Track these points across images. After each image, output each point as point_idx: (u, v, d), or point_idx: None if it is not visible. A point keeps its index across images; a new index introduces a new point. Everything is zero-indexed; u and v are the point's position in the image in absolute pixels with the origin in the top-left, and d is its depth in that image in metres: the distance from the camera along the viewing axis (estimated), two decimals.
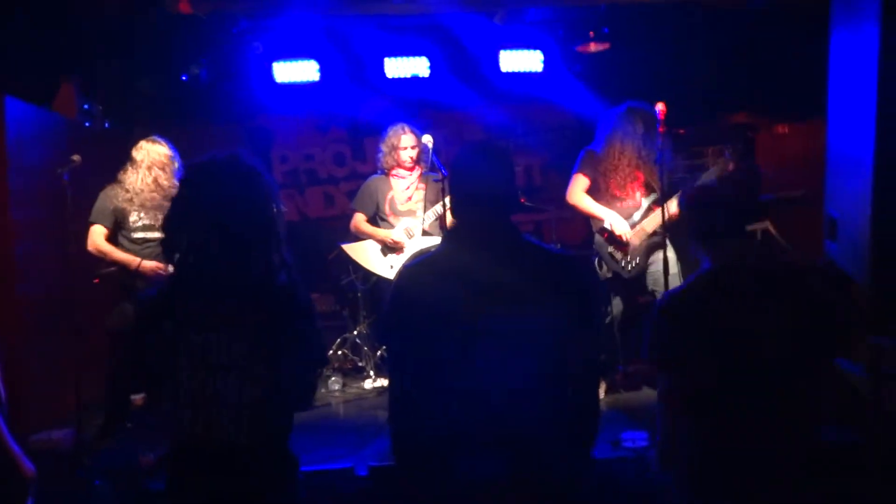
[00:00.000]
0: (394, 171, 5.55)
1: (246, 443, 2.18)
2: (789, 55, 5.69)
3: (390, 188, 5.55)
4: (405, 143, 5.45)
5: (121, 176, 4.79)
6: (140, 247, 4.71)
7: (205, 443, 2.18)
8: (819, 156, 4.47)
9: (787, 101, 6.24)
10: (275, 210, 2.29)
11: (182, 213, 2.24)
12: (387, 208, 5.54)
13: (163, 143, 4.83)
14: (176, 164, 4.80)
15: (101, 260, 4.75)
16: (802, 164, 6.02)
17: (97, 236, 4.73)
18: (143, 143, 4.81)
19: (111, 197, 4.75)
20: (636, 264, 5.12)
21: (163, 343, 2.19)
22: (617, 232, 5.05)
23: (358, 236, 5.63)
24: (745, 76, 6.21)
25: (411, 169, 5.51)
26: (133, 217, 4.72)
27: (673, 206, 4.96)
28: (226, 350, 2.16)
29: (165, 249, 2.27)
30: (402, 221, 5.49)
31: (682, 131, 5.81)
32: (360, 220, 5.61)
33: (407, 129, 5.48)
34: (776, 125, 6.73)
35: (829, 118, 4.29)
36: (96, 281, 4.72)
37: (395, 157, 5.47)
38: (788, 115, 6.61)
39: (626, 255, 5.11)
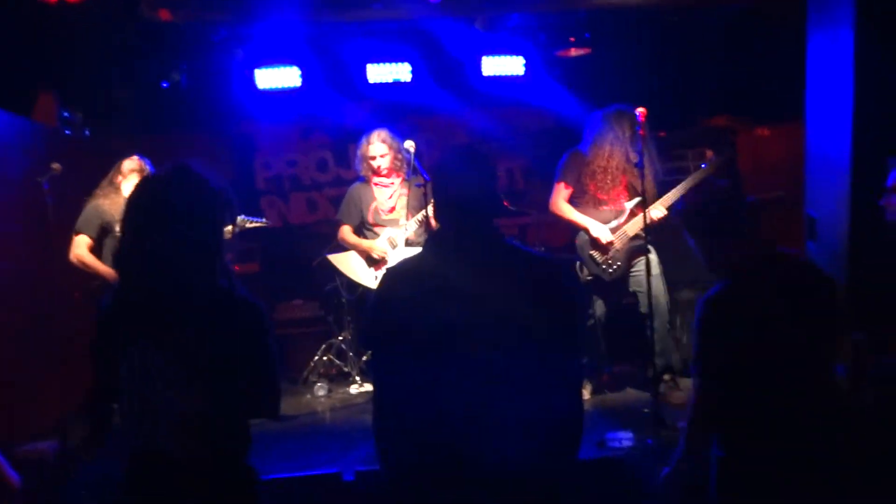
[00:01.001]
0: (375, 180, 5.54)
1: (188, 456, 2.16)
2: (768, 58, 5.75)
3: (373, 197, 5.53)
4: (373, 151, 5.41)
5: (107, 187, 4.77)
6: None
7: (149, 456, 2.18)
8: (799, 158, 4.53)
9: (766, 104, 6.31)
10: (218, 220, 2.27)
11: (129, 220, 2.24)
12: (371, 218, 5.53)
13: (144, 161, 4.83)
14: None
15: (83, 270, 4.72)
16: (783, 165, 6.09)
17: (81, 247, 4.71)
18: (132, 157, 4.83)
19: (98, 207, 4.74)
20: (617, 267, 5.14)
21: (110, 354, 2.19)
22: (601, 239, 5.08)
23: (344, 246, 5.63)
24: (724, 79, 6.28)
25: (388, 175, 5.50)
26: (118, 227, 4.71)
27: (656, 211, 5.00)
28: (164, 361, 2.14)
29: (114, 258, 2.28)
30: (386, 231, 5.48)
31: (662, 134, 5.86)
32: (345, 232, 5.59)
33: (375, 137, 5.42)
34: (756, 128, 6.80)
35: (807, 121, 4.36)
36: (77, 296, 4.70)
37: (368, 165, 5.47)
38: (768, 118, 6.68)
39: (607, 258, 5.15)
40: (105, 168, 4.85)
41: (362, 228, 5.60)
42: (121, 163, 4.86)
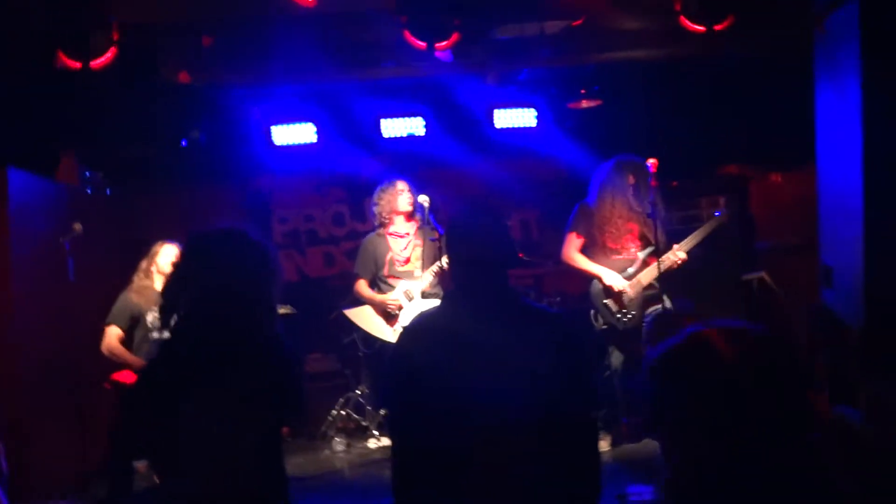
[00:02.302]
0: (391, 230, 5.59)
1: (237, 501, 2.19)
2: (778, 105, 5.79)
3: (388, 248, 5.57)
4: (401, 187, 5.52)
5: (137, 278, 4.87)
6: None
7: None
8: (814, 202, 4.54)
9: (778, 150, 6.34)
10: (269, 275, 2.34)
11: (180, 278, 2.30)
12: (386, 270, 5.56)
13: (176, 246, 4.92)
14: None
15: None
16: (798, 211, 6.09)
17: (111, 338, 4.80)
18: (159, 247, 4.91)
19: (128, 300, 4.83)
20: (632, 317, 5.15)
21: (153, 409, 2.22)
22: (615, 287, 5.10)
23: (360, 300, 5.66)
24: (735, 127, 6.31)
25: (408, 218, 5.55)
26: (149, 318, 4.77)
27: (674, 256, 5.03)
28: (220, 411, 2.18)
29: (162, 314, 2.31)
30: (402, 284, 5.51)
31: (674, 184, 5.90)
32: (361, 286, 5.62)
33: (401, 183, 5.54)
34: (769, 174, 6.82)
35: (819, 169, 4.38)
36: (107, 386, 4.75)
37: (393, 206, 5.52)
38: (780, 164, 6.71)
39: (621, 307, 5.15)
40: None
41: (377, 280, 5.62)
42: (155, 250, 4.93)
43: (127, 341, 4.80)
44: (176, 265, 2.36)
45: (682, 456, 2.36)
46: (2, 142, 4.97)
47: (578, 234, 5.26)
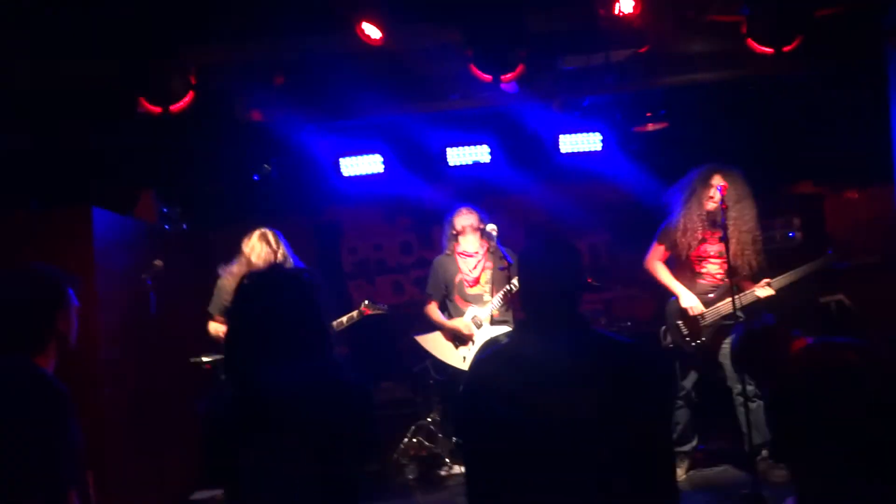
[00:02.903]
0: (459, 249, 5.61)
1: None
2: (850, 121, 5.67)
3: (458, 270, 5.59)
4: (466, 210, 5.57)
5: (231, 267, 5.05)
6: None
7: None
8: (891, 219, 4.41)
9: (854, 167, 6.18)
10: (320, 305, 2.36)
11: (240, 326, 2.34)
12: (456, 292, 5.61)
13: (270, 234, 5.08)
14: (281, 251, 5.03)
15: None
16: (876, 228, 5.92)
17: (211, 326, 5.08)
18: (251, 237, 5.06)
19: (223, 288, 5.03)
20: (701, 342, 5.02)
21: (226, 451, 2.26)
22: (691, 311, 5.00)
23: (432, 326, 5.72)
24: (806, 145, 6.19)
25: (479, 239, 5.56)
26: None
27: (762, 291, 4.89)
28: (284, 455, 2.20)
29: (226, 364, 2.35)
30: (471, 310, 5.54)
31: None
32: (431, 309, 5.67)
33: (462, 209, 5.60)
34: (844, 191, 6.65)
35: None
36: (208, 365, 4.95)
37: (460, 225, 5.55)
38: (855, 181, 6.54)
39: (693, 331, 5.04)
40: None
41: (446, 302, 5.66)
42: (249, 236, 5.09)
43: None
44: (230, 313, 2.41)
45: (820, 482, 2.30)
46: (86, 183, 5.20)
47: (663, 244, 5.14)
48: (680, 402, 5.14)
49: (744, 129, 6.17)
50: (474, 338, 5.43)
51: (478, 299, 5.54)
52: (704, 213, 4.94)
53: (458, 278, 5.59)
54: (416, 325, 6.00)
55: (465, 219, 5.55)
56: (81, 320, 2.59)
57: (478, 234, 5.55)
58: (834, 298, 5.23)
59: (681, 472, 5.10)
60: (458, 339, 5.54)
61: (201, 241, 6.72)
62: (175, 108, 4.34)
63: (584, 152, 6.39)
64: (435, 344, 5.64)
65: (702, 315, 5.01)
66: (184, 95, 4.35)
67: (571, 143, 6.33)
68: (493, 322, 5.42)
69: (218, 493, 5.00)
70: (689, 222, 4.98)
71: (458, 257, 5.61)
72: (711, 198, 4.90)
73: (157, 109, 4.32)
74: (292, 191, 6.94)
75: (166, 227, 6.48)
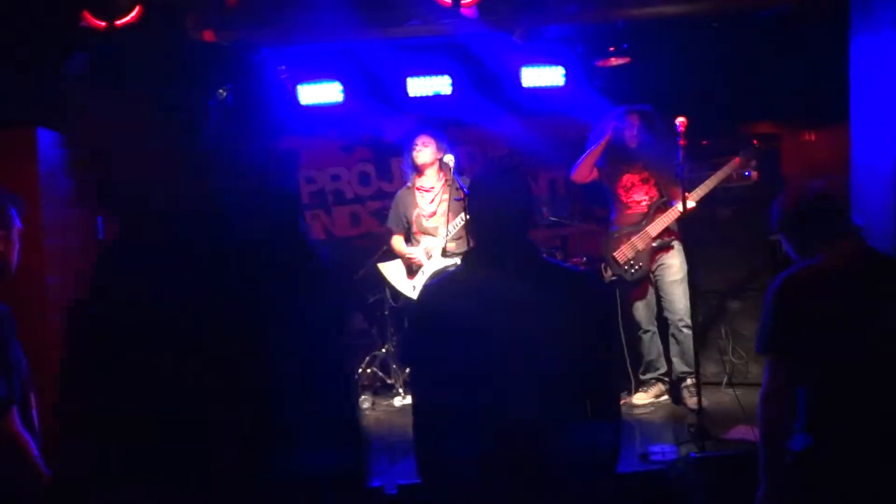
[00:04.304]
0: (418, 183, 5.67)
1: None
2: (811, 61, 5.65)
3: (415, 204, 5.66)
4: (417, 146, 5.65)
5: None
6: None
7: None
8: (847, 161, 4.45)
9: (811, 108, 6.20)
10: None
11: None
12: (415, 226, 5.70)
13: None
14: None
15: None
16: (832, 171, 5.96)
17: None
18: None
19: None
20: (639, 268, 5.23)
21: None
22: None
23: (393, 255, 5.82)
24: (767, 84, 6.18)
25: (429, 166, 5.65)
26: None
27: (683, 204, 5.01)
28: None
29: None
30: (425, 240, 5.58)
31: (704, 143, 5.80)
32: (394, 240, 5.81)
33: (419, 136, 5.69)
34: (802, 132, 6.68)
35: (852, 126, 4.28)
36: None
37: (415, 160, 5.64)
38: (814, 122, 6.56)
39: (629, 259, 5.24)
40: None
41: (410, 237, 5.77)
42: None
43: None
44: None
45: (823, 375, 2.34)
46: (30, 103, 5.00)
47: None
48: (645, 331, 5.35)
49: (706, 68, 6.14)
50: (424, 268, 5.48)
51: (435, 231, 5.57)
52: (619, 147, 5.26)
53: (415, 212, 5.65)
54: (373, 256, 6.01)
55: (423, 155, 5.54)
56: (26, 243, 2.52)
57: (436, 167, 5.56)
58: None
59: (647, 397, 5.34)
60: (411, 269, 5.60)
61: None
62: (120, 22, 4.15)
63: (547, 87, 6.30)
64: (393, 272, 5.76)
65: (633, 241, 5.24)
66: (131, 10, 4.16)
67: (534, 76, 6.23)
68: (447, 254, 5.45)
69: None
70: (610, 154, 5.28)
71: (416, 192, 5.68)
72: (628, 133, 5.23)
73: (101, 24, 4.13)
74: (248, 118, 6.76)
75: None
